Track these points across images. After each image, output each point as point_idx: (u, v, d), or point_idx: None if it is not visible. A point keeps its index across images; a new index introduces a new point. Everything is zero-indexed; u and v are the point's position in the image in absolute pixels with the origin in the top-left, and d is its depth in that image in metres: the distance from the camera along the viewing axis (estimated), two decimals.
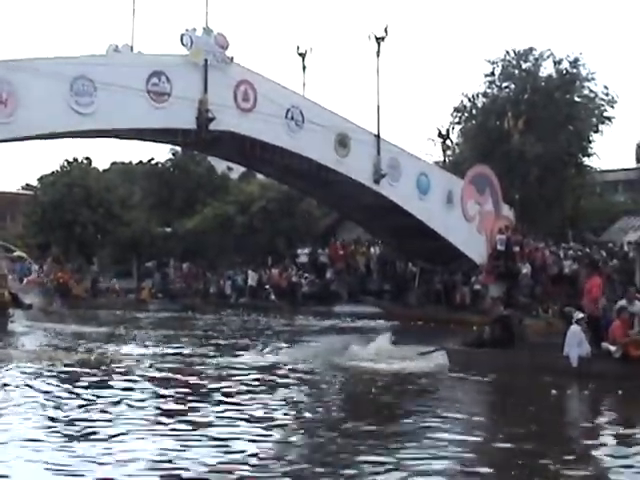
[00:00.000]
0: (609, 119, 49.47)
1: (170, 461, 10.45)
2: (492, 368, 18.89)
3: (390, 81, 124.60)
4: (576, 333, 18.59)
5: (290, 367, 19.67)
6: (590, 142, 49.76)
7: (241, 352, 23.16)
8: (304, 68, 40.94)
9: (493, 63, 50.75)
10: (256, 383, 17.19)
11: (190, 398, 15.25)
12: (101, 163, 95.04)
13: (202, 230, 52.53)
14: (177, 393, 15.85)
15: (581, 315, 19.16)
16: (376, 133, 38.28)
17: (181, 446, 11.22)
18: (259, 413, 13.78)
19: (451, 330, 30.94)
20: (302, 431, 12.90)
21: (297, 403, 15.28)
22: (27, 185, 69.94)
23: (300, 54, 41.19)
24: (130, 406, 14.26)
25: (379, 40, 39.39)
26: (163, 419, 13.23)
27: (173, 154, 60.37)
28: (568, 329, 18.94)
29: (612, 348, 18.09)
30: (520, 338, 20.63)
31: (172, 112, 31.80)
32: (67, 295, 44.68)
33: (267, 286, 47.29)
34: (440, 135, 51.69)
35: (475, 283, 40.09)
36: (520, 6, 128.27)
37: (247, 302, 46.11)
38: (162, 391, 16.09)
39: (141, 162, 68.72)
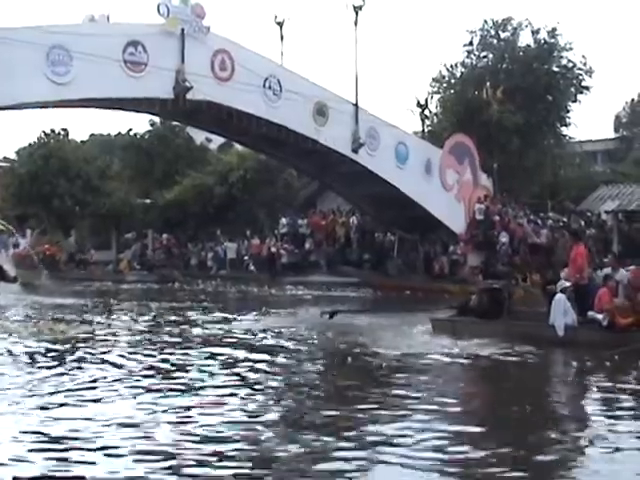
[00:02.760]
0: (587, 89, 49.52)
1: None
2: (475, 336, 18.83)
3: (369, 51, 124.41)
4: (561, 302, 18.52)
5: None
6: (568, 112, 49.85)
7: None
8: (282, 37, 40.93)
9: (471, 33, 50.68)
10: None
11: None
12: (79, 135, 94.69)
13: (181, 201, 52.30)
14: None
15: (566, 284, 19.09)
16: (354, 102, 38.22)
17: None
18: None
19: (431, 299, 31.08)
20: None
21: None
22: (4, 158, 69.34)
23: (278, 23, 41.15)
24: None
25: (357, 9, 39.28)
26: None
27: (152, 125, 60.01)
28: (552, 299, 18.88)
29: (599, 316, 18.08)
30: (508, 311, 20.66)
31: (149, 82, 31.59)
32: (54, 267, 44.66)
33: (246, 257, 47.27)
34: (419, 105, 51.64)
35: (454, 252, 40.26)
36: None
37: (227, 274, 46.09)
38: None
39: (120, 133, 68.36)
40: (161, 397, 12.61)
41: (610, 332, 17.63)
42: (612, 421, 11.39)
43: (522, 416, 11.76)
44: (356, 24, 39.47)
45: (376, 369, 15.43)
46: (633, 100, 73.68)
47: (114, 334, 20.66)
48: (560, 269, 22.83)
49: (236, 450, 9.83)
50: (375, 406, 12.05)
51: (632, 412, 12.07)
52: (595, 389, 14.03)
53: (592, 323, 18.33)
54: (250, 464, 9.33)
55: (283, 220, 49.02)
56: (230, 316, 25.18)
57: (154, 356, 16.92)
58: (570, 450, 10.05)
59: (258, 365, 15.70)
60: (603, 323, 17.94)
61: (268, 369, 15.48)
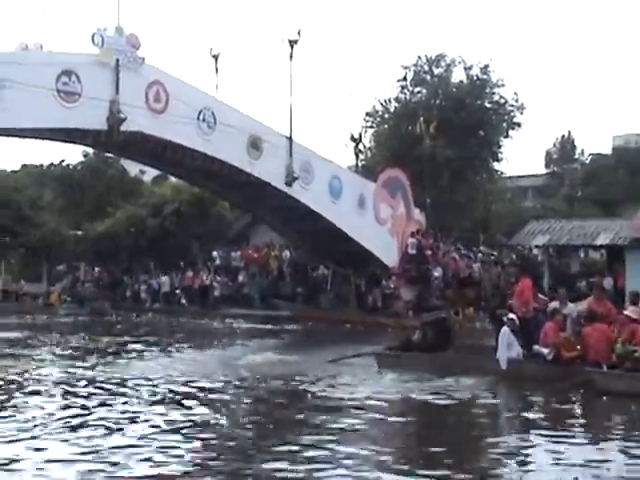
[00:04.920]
0: (518, 125, 50.34)
1: None
2: (423, 370, 18.63)
3: (304, 85, 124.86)
4: (505, 335, 18.50)
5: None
6: (500, 147, 50.55)
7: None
8: (217, 70, 40.82)
9: (405, 68, 51.26)
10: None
11: None
12: (11, 165, 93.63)
13: (114, 233, 51.85)
14: None
15: (512, 316, 19.07)
16: (289, 136, 38.29)
17: None
18: None
19: (365, 332, 31.10)
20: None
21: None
22: None
23: (213, 56, 41.05)
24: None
25: (292, 43, 39.41)
26: None
27: (85, 156, 59.58)
28: (499, 331, 18.83)
29: (544, 350, 17.98)
30: (453, 341, 20.65)
31: (83, 112, 31.25)
32: None
33: (178, 290, 46.93)
34: (353, 139, 51.93)
35: (386, 286, 40.35)
36: (432, 13, 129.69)
37: (161, 307, 45.74)
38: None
39: (52, 164, 67.66)
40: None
41: (555, 366, 17.61)
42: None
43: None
44: (291, 58, 39.63)
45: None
46: (564, 136, 74.90)
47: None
48: (492, 302, 22.89)
49: None
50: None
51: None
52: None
53: (537, 357, 18.29)
54: None
55: (216, 253, 48.89)
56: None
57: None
58: None
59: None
60: (548, 357, 17.88)
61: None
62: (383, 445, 11.77)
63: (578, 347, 17.78)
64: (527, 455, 11.39)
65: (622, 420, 14.23)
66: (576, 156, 74.04)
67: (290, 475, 9.93)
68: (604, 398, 15.64)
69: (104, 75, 32.15)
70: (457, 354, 19.84)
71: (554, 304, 20.24)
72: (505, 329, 18.63)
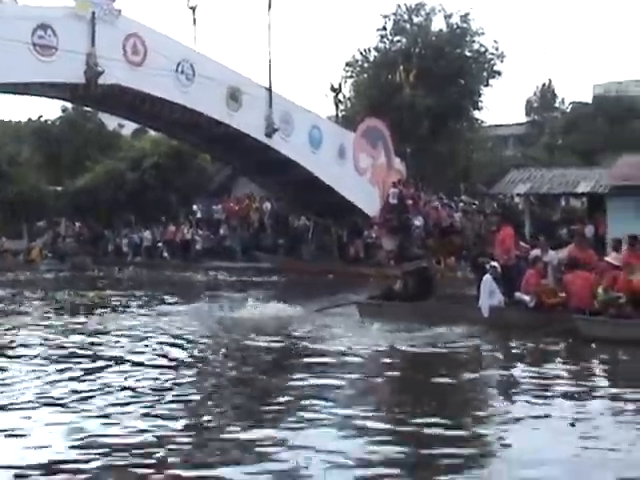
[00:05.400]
0: (499, 73, 50.25)
1: None
2: (404, 319, 18.55)
3: (283, 36, 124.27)
4: (487, 283, 18.51)
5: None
6: (480, 96, 50.43)
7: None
8: (194, 21, 40.50)
9: (385, 17, 50.99)
10: None
11: None
12: None
13: (93, 188, 51.48)
14: None
15: (494, 264, 19.05)
16: (268, 87, 38.07)
17: None
18: None
19: (347, 283, 31.08)
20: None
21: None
22: None
23: (191, 7, 40.70)
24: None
25: None
26: None
27: (63, 111, 59.07)
28: (480, 279, 18.86)
29: (526, 298, 18.02)
30: (434, 290, 20.67)
31: (59, 66, 31.00)
32: None
33: (160, 243, 46.82)
34: (332, 89, 51.65)
35: (368, 236, 40.35)
36: None
37: (143, 260, 45.67)
38: None
39: (30, 120, 67.08)
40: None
41: (537, 313, 17.64)
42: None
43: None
44: (270, 8, 39.38)
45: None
46: (544, 85, 74.72)
47: None
48: (474, 251, 22.84)
49: None
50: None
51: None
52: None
53: (519, 304, 18.35)
54: None
55: (196, 206, 48.78)
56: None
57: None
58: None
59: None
60: (530, 304, 17.92)
61: None
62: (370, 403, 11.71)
63: (560, 294, 17.85)
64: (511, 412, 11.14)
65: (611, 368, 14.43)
66: (556, 105, 73.95)
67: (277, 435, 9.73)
68: (593, 345, 15.60)
69: (80, 28, 31.85)
70: (439, 303, 19.87)
71: (535, 252, 20.24)
72: (487, 277, 18.64)
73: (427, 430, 9.77)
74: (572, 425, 10.11)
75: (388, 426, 10.06)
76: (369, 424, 10.11)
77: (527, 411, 10.75)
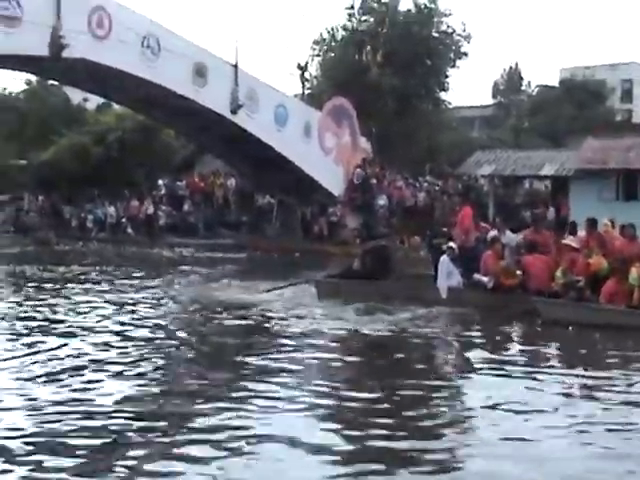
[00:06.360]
0: (465, 54, 50.37)
1: None
2: (363, 298, 18.53)
3: (250, 12, 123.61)
4: (444, 263, 18.50)
5: None
6: (447, 77, 50.59)
7: None
8: None
9: None
10: None
11: None
12: None
13: (57, 161, 51.07)
14: None
15: (451, 245, 18.97)
16: (234, 64, 37.92)
17: None
18: None
19: (312, 261, 31.09)
20: None
21: None
22: None
23: None
24: None
25: None
26: None
27: (27, 84, 58.69)
28: (438, 260, 18.79)
29: (484, 279, 18.00)
30: (393, 270, 20.64)
31: (24, 38, 30.60)
32: None
33: (124, 219, 46.60)
34: (299, 67, 51.67)
35: (332, 215, 40.38)
36: None
37: (106, 236, 45.38)
38: None
39: None
40: None
41: (495, 294, 17.70)
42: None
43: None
44: None
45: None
46: (511, 67, 75.02)
47: None
48: (439, 231, 22.74)
49: None
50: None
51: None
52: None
53: (477, 285, 18.35)
54: None
55: (161, 181, 48.62)
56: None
57: None
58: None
59: None
60: (488, 285, 17.92)
61: None
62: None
63: (518, 274, 17.93)
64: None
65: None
66: (523, 87, 74.33)
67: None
68: (570, 329, 15.52)
69: (45, 0, 31.53)
70: (397, 283, 19.77)
71: (493, 233, 20.21)
72: (444, 258, 18.62)
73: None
74: None
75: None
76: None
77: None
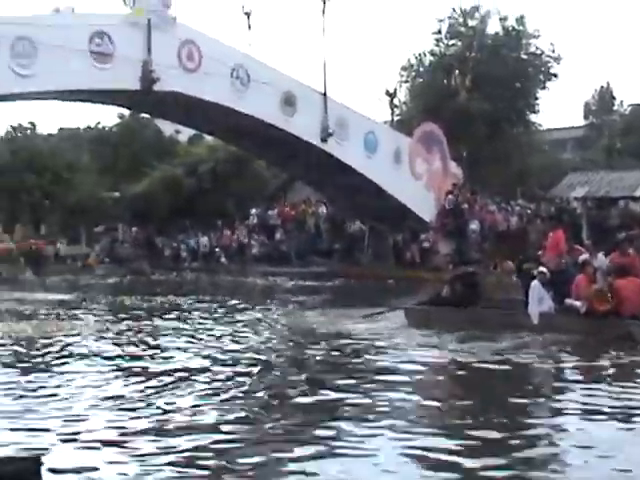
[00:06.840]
0: (555, 76, 49.79)
1: None
2: (454, 326, 18.14)
3: (337, 40, 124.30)
4: (536, 289, 18.02)
5: None
6: (537, 99, 50.07)
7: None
8: (249, 27, 40.68)
9: (440, 21, 50.86)
10: None
11: None
12: (47, 128, 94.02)
13: (150, 193, 51.91)
14: None
15: (542, 269, 18.52)
16: (323, 92, 38.12)
17: None
18: None
19: (405, 288, 30.89)
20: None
21: None
22: None
23: (245, 13, 40.87)
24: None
25: None
26: None
27: (120, 118, 59.74)
28: (528, 285, 18.27)
29: (577, 303, 17.50)
30: (482, 296, 20.31)
31: (116, 73, 31.41)
32: (39, 262, 44.63)
33: (217, 249, 47.06)
34: (387, 94, 51.71)
35: (424, 240, 40.16)
36: None
37: (200, 266, 45.86)
38: None
39: (88, 127, 67.91)
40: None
41: (588, 319, 17.12)
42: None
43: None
44: (324, 13, 39.46)
45: None
46: (602, 87, 73.93)
47: None
48: (533, 255, 22.41)
49: None
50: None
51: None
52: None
53: (569, 310, 17.85)
54: None
55: (253, 211, 48.96)
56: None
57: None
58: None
59: None
60: (581, 310, 17.37)
61: None
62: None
63: (610, 300, 17.44)
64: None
65: None
66: (615, 107, 73.18)
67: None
68: None
69: (136, 35, 32.26)
70: (488, 310, 19.25)
71: (584, 256, 19.77)
72: (535, 283, 18.11)
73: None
74: None
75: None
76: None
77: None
